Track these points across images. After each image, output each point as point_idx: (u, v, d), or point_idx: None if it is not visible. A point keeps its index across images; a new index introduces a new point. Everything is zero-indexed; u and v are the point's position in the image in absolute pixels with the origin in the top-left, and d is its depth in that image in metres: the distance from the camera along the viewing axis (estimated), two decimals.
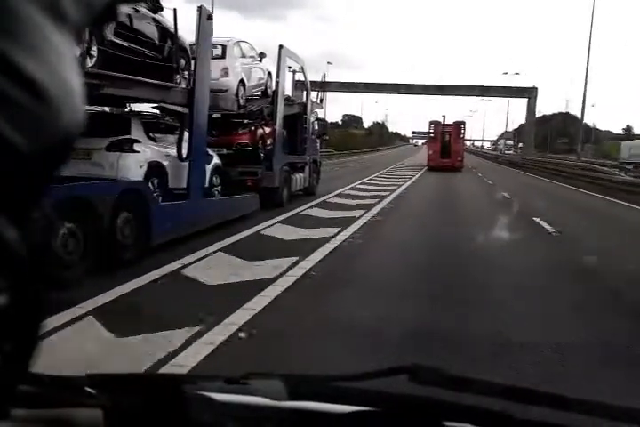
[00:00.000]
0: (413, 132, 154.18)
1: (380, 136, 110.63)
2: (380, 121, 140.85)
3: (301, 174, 14.09)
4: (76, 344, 3.74)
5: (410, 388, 0.74)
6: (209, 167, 9.18)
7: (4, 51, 0.34)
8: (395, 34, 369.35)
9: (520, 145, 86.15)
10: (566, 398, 0.76)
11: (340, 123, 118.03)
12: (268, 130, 11.88)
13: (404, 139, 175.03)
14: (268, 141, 11.85)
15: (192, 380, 0.94)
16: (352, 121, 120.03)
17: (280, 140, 11.99)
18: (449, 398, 0.74)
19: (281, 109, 11.97)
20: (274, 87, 12.12)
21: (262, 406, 0.73)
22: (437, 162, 32.00)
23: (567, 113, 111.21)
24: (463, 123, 35.56)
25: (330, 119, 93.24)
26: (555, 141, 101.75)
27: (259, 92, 12.52)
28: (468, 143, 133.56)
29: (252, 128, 11.74)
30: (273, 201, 11.42)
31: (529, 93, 56.18)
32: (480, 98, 65.84)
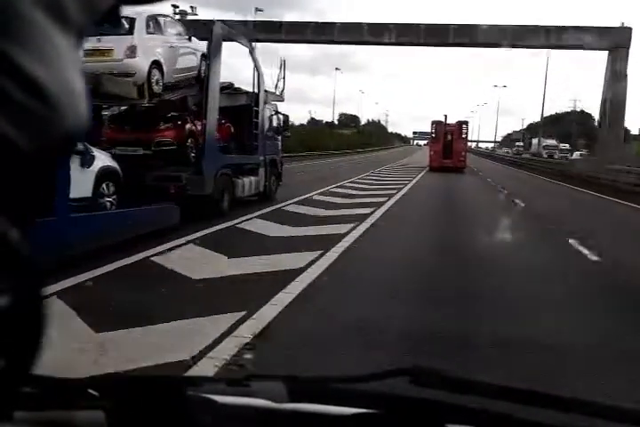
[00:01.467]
0: (414, 133, 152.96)
1: (370, 135, 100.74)
2: (375, 119, 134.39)
3: (253, 178, 11.63)
4: None
5: (411, 390, 0.75)
6: (90, 171, 7.22)
7: (7, 52, 0.34)
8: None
9: (562, 146, 67.77)
10: (567, 399, 0.76)
11: (337, 122, 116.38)
12: (201, 125, 9.62)
13: (405, 140, 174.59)
14: (202, 139, 9.62)
15: (193, 381, 0.94)
16: (349, 120, 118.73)
17: (214, 138, 9.71)
18: (450, 399, 0.74)
19: (215, 99, 9.52)
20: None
21: (263, 408, 0.73)
22: (439, 162, 31.59)
23: (582, 111, 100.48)
24: (466, 122, 35.03)
25: (327, 119, 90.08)
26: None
27: (191, 79, 10.29)
28: (472, 145, 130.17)
29: (179, 122, 9.44)
30: (207, 211, 9.28)
31: (614, 39, 27.64)
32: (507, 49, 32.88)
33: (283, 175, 14.22)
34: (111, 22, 0.46)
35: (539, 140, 62.74)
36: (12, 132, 0.34)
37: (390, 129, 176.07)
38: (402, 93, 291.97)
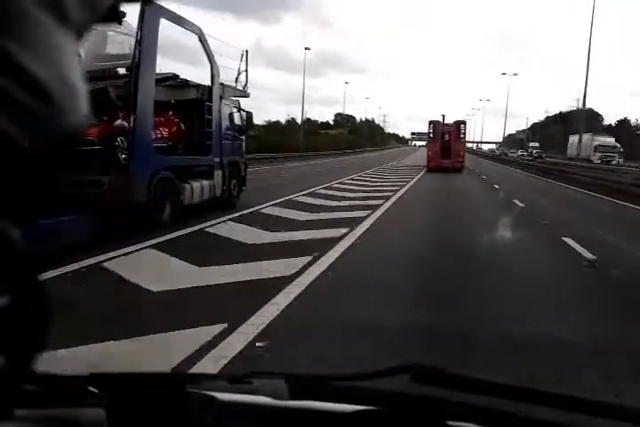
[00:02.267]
0: (412, 134, 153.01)
1: (359, 136, 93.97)
2: (369, 118, 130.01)
3: (206, 182, 10.22)
4: None
5: (412, 387, 0.75)
6: None
7: (8, 51, 0.34)
8: (399, 31, 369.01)
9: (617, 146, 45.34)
10: (568, 397, 0.76)
11: (332, 123, 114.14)
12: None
13: (403, 140, 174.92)
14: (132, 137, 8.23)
15: (195, 379, 0.94)
16: (345, 120, 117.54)
17: (147, 136, 8.42)
18: (451, 397, 0.74)
19: (148, 90, 8.25)
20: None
21: (265, 406, 0.73)
22: (437, 162, 31.67)
23: (590, 109, 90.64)
24: (464, 122, 34.87)
25: (323, 119, 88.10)
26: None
27: (123, 69, 8.87)
28: (473, 146, 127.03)
29: (105, 118, 8.01)
30: (142, 222, 7.90)
31: None
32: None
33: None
34: (111, 21, 0.46)
35: (580, 138, 38.93)
36: (12, 129, 0.34)
37: (390, 130, 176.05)
38: (401, 95, 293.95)
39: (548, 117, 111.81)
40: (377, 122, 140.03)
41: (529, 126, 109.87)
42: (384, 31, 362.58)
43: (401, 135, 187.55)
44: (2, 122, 0.34)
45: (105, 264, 6.02)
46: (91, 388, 0.70)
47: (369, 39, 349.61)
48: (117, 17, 0.47)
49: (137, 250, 6.83)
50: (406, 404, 0.76)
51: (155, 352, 3.72)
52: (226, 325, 4.10)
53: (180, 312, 4.52)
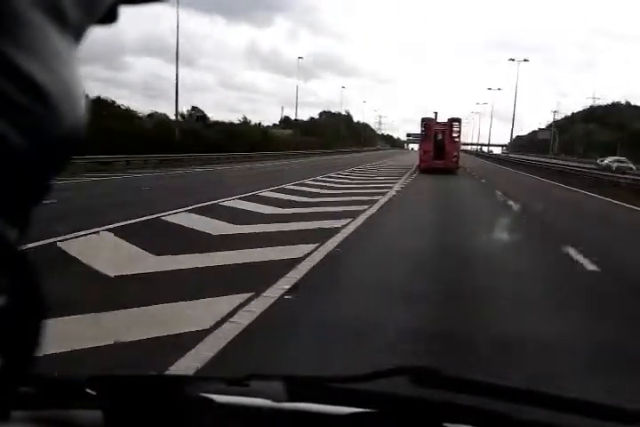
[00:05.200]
0: (408, 135, 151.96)
1: (322, 135, 73.58)
2: (334, 111, 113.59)
3: None
4: None
5: (410, 389, 0.75)
6: None
7: (5, 52, 0.34)
8: (392, 34, 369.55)
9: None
10: (566, 398, 0.76)
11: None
12: None
13: (398, 143, 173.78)
14: None
15: (193, 381, 0.94)
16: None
17: None
18: (449, 399, 0.74)
19: None
20: None
21: (263, 408, 0.73)
22: (430, 163, 29.90)
23: (628, 104, 77.75)
24: (458, 120, 32.46)
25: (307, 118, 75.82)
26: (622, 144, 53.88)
27: None
28: (476, 148, 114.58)
29: None
30: None
31: None
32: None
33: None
34: (109, 22, 0.46)
35: None
36: (11, 133, 0.33)
37: (387, 132, 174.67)
38: (399, 98, 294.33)
39: (573, 114, 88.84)
40: (349, 114, 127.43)
41: (547, 124, 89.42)
42: (383, 34, 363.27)
43: (396, 137, 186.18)
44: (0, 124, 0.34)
45: None
46: (88, 390, 0.70)
47: (367, 42, 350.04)
48: (115, 18, 0.47)
49: None
50: (404, 406, 0.76)
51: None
52: None
53: None
